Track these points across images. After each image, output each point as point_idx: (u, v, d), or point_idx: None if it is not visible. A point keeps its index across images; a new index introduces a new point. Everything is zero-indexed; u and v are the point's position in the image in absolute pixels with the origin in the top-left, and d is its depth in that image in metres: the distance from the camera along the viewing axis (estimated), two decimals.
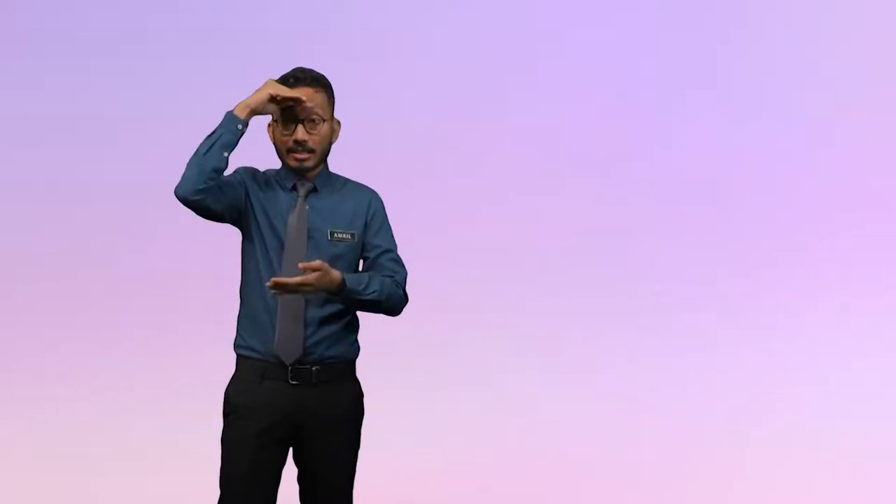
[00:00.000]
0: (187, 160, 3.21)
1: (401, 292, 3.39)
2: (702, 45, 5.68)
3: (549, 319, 5.60)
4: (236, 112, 3.24)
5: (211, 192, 3.20)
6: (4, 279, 5.66)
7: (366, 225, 3.39)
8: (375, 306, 3.33)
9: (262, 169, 3.42)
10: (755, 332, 5.59)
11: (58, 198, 5.67)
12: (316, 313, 3.30)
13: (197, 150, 3.21)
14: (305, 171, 3.35)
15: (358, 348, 3.44)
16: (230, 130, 3.22)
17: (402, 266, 3.42)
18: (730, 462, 5.33)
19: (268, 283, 3.17)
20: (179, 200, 3.20)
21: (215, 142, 3.20)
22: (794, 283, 5.61)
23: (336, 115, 3.40)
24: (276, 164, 3.42)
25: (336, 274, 3.21)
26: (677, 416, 5.47)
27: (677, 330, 5.60)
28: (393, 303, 3.36)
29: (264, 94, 3.26)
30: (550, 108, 5.68)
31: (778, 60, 5.67)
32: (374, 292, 3.29)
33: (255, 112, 3.26)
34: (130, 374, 5.55)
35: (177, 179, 3.20)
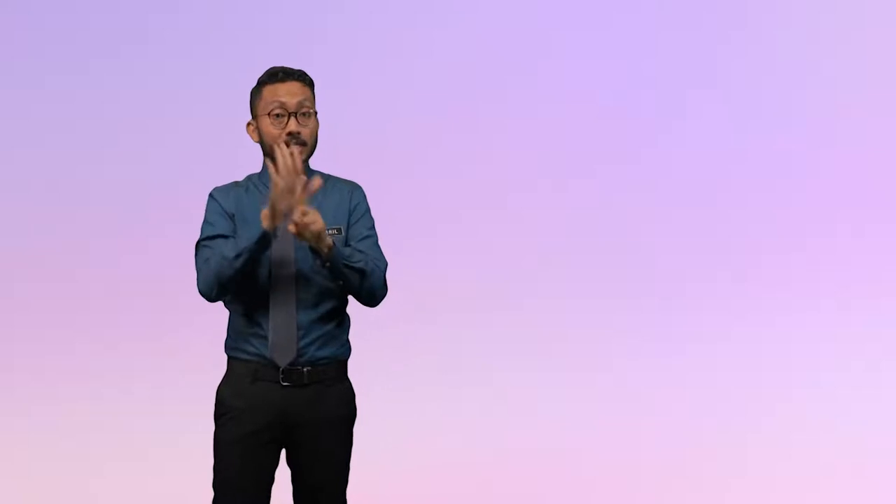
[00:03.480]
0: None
1: (381, 275, 3.35)
2: (702, 45, 5.68)
3: (549, 319, 5.60)
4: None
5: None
6: (4, 279, 5.65)
7: (349, 217, 3.37)
8: (360, 276, 3.27)
9: (239, 178, 3.40)
10: (755, 332, 5.59)
11: (58, 198, 5.66)
12: (307, 314, 3.29)
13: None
14: None
15: (349, 349, 3.42)
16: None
17: (382, 255, 3.38)
18: (730, 462, 5.33)
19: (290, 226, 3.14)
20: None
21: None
22: (794, 283, 5.61)
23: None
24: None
25: (326, 234, 3.18)
26: (677, 416, 5.47)
27: (677, 330, 5.60)
28: (374, 281, 3.31)
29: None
30: (550, 108, 5.68)
31: (778, 60, 5.67)
32: (359, 261, 3.26)
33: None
34: (130, 374, 5.55)
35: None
